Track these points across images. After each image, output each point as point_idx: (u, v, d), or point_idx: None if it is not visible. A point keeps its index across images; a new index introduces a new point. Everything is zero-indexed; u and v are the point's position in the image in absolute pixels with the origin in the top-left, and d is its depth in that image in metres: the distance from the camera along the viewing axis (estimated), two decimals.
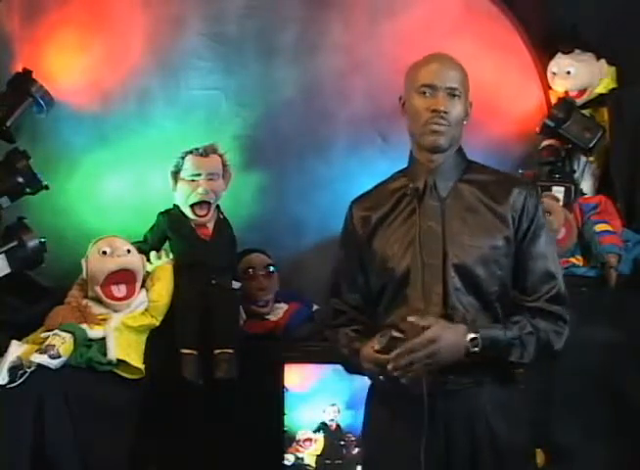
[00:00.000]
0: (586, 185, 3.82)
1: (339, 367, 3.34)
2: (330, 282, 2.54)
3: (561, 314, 2.35)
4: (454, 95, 2.35)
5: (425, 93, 2.36)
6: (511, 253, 2.34)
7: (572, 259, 3.59)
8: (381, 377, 2.28)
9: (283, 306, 3.70)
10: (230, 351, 3.31)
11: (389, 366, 2.22)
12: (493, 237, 2.33)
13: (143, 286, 3.36)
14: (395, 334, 2.24)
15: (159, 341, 3.31)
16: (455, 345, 2.24)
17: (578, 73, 3.82)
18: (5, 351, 3.13)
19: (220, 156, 3.47)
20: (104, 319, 3.25)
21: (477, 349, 2.24)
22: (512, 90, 3.92)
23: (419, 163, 2.42)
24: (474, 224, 2.34)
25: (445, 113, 2.33)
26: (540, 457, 3.23)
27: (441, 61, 2.43)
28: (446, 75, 2.37)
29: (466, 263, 2.31)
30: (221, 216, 3.50)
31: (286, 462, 3.35)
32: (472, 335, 2.25)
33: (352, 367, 2.46)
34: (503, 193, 2.36)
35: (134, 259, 3.34)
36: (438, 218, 2.35)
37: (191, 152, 3.42)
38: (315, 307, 3.71)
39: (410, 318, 2.24)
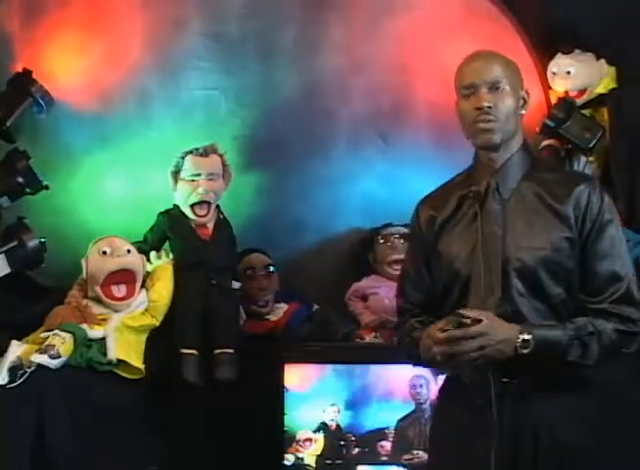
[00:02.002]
0: None
1: (338, 367, 3.38)
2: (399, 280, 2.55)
3: (628, 315, 2.28)
4: (497, 88, 2.32)
5: (468, 93, 2.34)
6: (575, 254, 2.30)
7: None
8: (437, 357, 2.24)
9: (283, 306, 3.70)
10: (230, 351, 3.31)
11: (434, 349, 2.22)
12: (555, 238, 2.29)
13: (143, 286, 3.36)
14: (465, 318, 2.21)
15: (159, 341, 3.31)
16: (504, 342, 2.21)
17: (578, 73, 3.81)
18: (5, 351, 3.13)
19: (220, 156, 3.47)
20: (104, 319, 3.25)
21: (526, 350, 2.21)
22: None
23: (481, 162, 2.39)
24: (535, 225, 2.31)
25: (489, 107, 2.30)
26: None
27: (479, 57, 2.40)
28: (484, 71, 2.34)
29: (528, 266, 2.28)
30: (221, 216, 3.50)
31: (286, 462, 3.34)
32: (524, 336, 2.21)
33: (414, 358, 2.44)
34: (566, 191, 2.32)
35: (134, 259, 3.34)
36: (500, 222, 2.32)
37: (191, 152, 3.42)
38: (315, 307, 3.71)
39: (463, 311, 2.23)
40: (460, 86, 2.37)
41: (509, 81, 2.35)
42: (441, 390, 2.50)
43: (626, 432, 3.14)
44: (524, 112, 2.39)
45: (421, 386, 3.33)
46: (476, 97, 2.33)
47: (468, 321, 2.21)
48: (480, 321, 2.20)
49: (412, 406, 3.34)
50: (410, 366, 2.59)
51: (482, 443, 2.23)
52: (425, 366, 2.57)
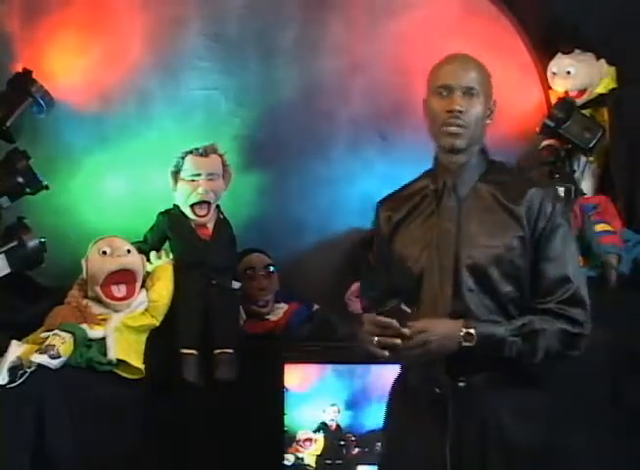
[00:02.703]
0: (586, 185, 3.82)
1: (339, 367, 3.38)
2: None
3: (574, 317, 2.31)
4: (472, 94, 2.35)
5: (441, 94, 2.36)
6: (527, 254, 2.33)
7: None
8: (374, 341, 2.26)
9: (283, 306, 3.70)
10: (230, 351, 3.31)
11: (375, 340, 2.24)
12: (509, 237, 2.32)
13: (143, 286, 3.36)
14: (403, 306, 2.25)
15: (159, 341, 3.31)
16: (447, 337, 2.25)
17: (578, 73, 3.82)
18: (5, 351, 3.13)
19: (220, 156, 3.47)
20: (104, 319, 3.25)
21: (470, 343, 2.25)
22: (512, 90, 3.91)
23: (441, 163, 2.42)
24: (490, 224, 2.34)
25: (460, 112, 2.33)
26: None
27: (458, 61, 2.43)
28: (463, 75, 2.37)
29: (480, 264, 2.31)
30: (221, 216, 3.50)
31: (286, 462, 3.34)
32: (466, 330, 2.25)
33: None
34: (520, 193, 2.35)
35: (134, 259, 3.34)
36: (455, 219, 2.36)
37: (191, 152, 3.42)
38: (315, 307, 3.71)
39: (402, 306, 2.27)
40: (434, 85, 2.38)
41: (482, 89, 2.38)
42: (394, 384, 2.50)
43: (578, 427, 3.15)
44: (489, 121, 2.41)
45: None
46: (449, 99, 2.35)
47: (407, 309, 2.26)
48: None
49: None
50: None
51: (435, 439, 2.27)
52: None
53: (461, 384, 2.30)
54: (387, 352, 2.25)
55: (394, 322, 2.24)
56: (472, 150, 2.39)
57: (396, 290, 2.42)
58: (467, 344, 2.25)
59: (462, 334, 2.25)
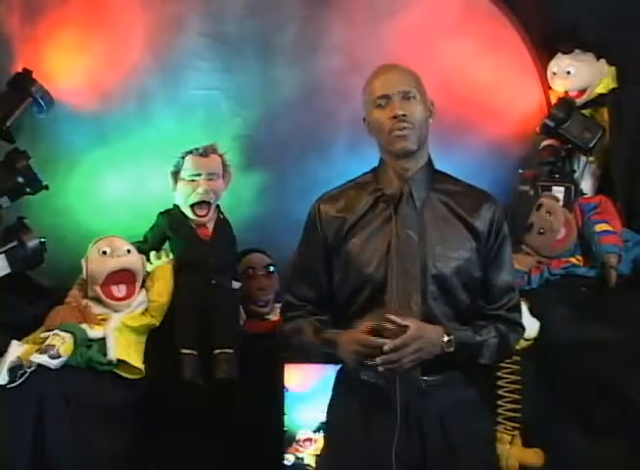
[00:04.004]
0: (586, 185, 3.82)
1: (338, 367, 3.37)
2: (287, 276, 2.61)
3: (518, 321, 2.53)
4: (409, 97, 2.42)
5: (380, 105, 2.43)
6: (479, 264, 2.45)
7: (572, 259, 3.59)
8: (366, 362, 2.33)
9: None
10: (230, 351, 3.31)
11: (380, 359, 2.28)
12: (466, 248, 2.44)
13: (143, 286, 3.36)
14: (387, 325, 2.30)
15: (159, 341, 3.31)
16: (434, 343, 2.34)
17: (578, 73, 3.82)
18: (5, 351, 3.13)
19: (220, 156, 3.47)
20: (104, 319, 3.25)
21: (450, 349, 2.35)
22: (512, 90, 3.92)
23: (392, 171, 2.47)
24: (449, 235, 2.43)
25: (404, 115, 2.39)
26: (540, 457, 3.24)
27: (387, 70, 2.49)
28: (395, 82, 2.43)
29: (444, 274, 2.41)
30: (221, 216, 3.50)
31: (286, 462, 3.34)
32: (447, 337, 2.35)
33: (318, 357, 2.51)
34: (474, 206, 2.46)
35: (134, 259, 3.34)
36: (416, 227, 2.41)
37: (191, 152, 3.42)
38: None
39: (390, 316, 2.30)
40: (372, 99, 2.45)
41: (418, 91, 2.45)
42: (338, 380, 2.54)
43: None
44: (431, 121, 2.49)
45: None
46: (389, 107, 2.41)
47: (393, 327, 2.29)
48: (406, 326, 2.30)
49: None
50: None
51: (385, 438, 2.32)
52: (318, 363, 2.63)
53: (422, 383, 2.38)
54: (380, 369, 2.30)
55: (389, 343, 2.29)
56: (421, 155, 2.46)
57: (349, 293, 2.44)
58: (448, 350, 2.35)
59: (445, 340, 2.35)
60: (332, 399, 2.56)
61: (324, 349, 2.44)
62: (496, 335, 2.44)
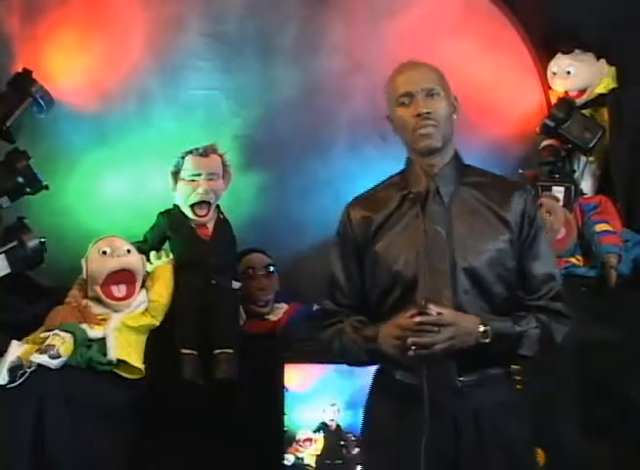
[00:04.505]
0: (586, 185, 3.82)
1: (339, 367, 3.37)
2: (326, 284, 2.56)
3: (562, 310, 2.43)
4: (432, 94, 2.40)
5: (404, 103, 2.40)
6: (514, 255, 2.40)
7: (572, 259, 3.59)
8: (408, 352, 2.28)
9: (283, 306, 3.70)
10: (230, 351, 3.31)
11: (409, 340, 2.25)
12: (498, 240, 2.39)
13: (143, 286, 3.36)
14: (429, 310, 2.26)
15: (159, 341, 3.31)
16: (469, 333, 2.30)
17: (578, 73, 3.82)
18: (5, 351, 3.13)
19: (220, 156, 3.47)
20: (104, 319, 3.25)
21: (487, 340, 2.30)
22: (512, 90, 3.92)
23: (419, 168, 2.44)
24: (479, 228, 2.39)
25: (428, 113, 2.37)
26: (541, 457, 3.23)
27: (410, 67, 2.47)
28: (418, 79, 2.41)
29: (475, 267, 2.36)
30: (221, 216, 3.50)
31: (286, 462, 3.34)
32: (483, 327, 2.31)
33: (360, 357, 2.46)
34: (504, 197, 2.42)
35: (134, 259, 3.34)
36: (443, 223, 2.38)
37: (191, 152, 3.42)
38: (315, 307, 3.71)
39: (423, 303, 2.27)
40: (395, 96, 2.42)
41: (442, 87, 2.42)
42: (374, 381, 2.52)
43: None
44: (456, 117, 2.46)
45: None
46: (413, 105, 2.39)
47: (432, 313, 2.26)
48: (440, 313, 2.27)
49: None
50: None
51: (416, 436, 2.28)
52: (361, 365, 2.56)
53: (458, 382, 2.34)
54: (411, 352, 2.26)
55: (420, 318, 2.25)
56: (446, 151, 2.43)
57: (380, 293, 2.42)
58: (483, 340, 2.30)
59: (480, 331, 2.30)
60: (367, 400, 2.53)
61: (366, 346, 2.40)
62: (537, 325, 2.37)
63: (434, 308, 2.27)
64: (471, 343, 2.30)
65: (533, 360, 2.44)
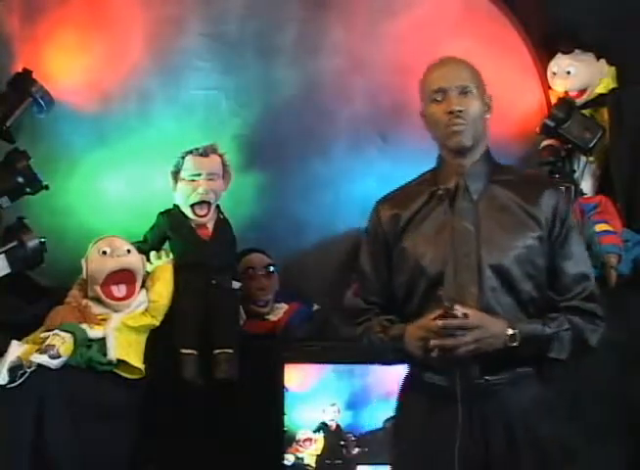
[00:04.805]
0: (586, 185, 3.81)
1: (339, 367, 3.38)
2: (356, 282, 2.57)
3: (595, 312, 2.39)
4: (466, 92, 2.39)
5: (437, 99, 2.40)
6: (545, 253, 2.37)
7: None
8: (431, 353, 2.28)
9: (283, 306, 3.70)
10: (230, 351, 3.31)
11: (432, 342, 2.24)
12: (527, 236, 2.36)
13: (143, 286, 3.36)
14: (455, 311, 2.25)
15: (159, 341, 3.31)
16: (496, 336, 2.28)
17: (578, 73, 3.81)
18: (5, 351, 3.13)
19: (220, 156, 3.47)
20: (104, 319, 3.25)
21: (515, 343, 2.28)
22: (512, 90, 3.92)
23: (449, 165, 2.44)
24: (508, 224, 2.37)
25: (460, 111, 2.36)
26: None
27: (446, 63, 2.46)
28: (453, 76, 2.41)
29: (502, 263, 2.34)
30: (221, 216, 3.50)
31: (286, 462, 3.34)
32: (511, 330, 2.28)
33: (387, 356, 2.47)
34: (535, 194, 2.40)
35: (134, 259, 3.34)
36: (471, 219, 2.37)
37: (191, 152, 3.42)
38: (315, 307, 3.71)
39: (448, 304, 2.25)
40: (429, 91, 2.42)
41: (476, 86, 2.42)
42: (403, 382, 2.51)
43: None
44: (488, 116, 2.45)
45: None
46: (446, 101, 2.39)
47: (458, 314, 2.25)
48: (466, 315, 2.25)
49: None
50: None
51: (447, 438, 2.28)
52: (393, 364, 2.56)
53: (481, 381, 2.32)
54: (434, 354, 2.26)
55: (443, 322, 2.24)
56: (477, 150, 2.42)
57: (407, 289, 2.41)
58: (511, 344, 2.28)
59: (508, 334, 2.28)
60: (397, 402, 2.53)
61: (392, 345, 2.40)
62: (569, 327, 2.34)
63: (460, 309, 2.25)
64: (498, 346, 2.28)
65: (565, 363, 2.39)
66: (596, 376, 3.29)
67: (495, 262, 2.34)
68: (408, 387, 2.49)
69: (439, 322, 2.24)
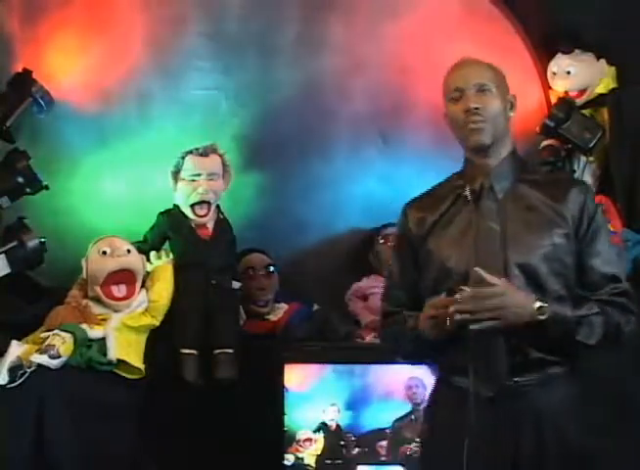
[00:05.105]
0: None
1: (339, 367, 3.38)
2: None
3: (627, 305, 2.35)
4: (484, 90, 2.39)
5: (455, 98, 2.40)
6: (572, 251, 2.35)
7: None
8: (446, 325, 2.25)
9: (283, 306, 3.70)
10: (230, 351, 3.32)
11: (453, 308, 2.22)
12: (554, 234, 2.34)
13: (143, 286, 3.36)
14: (466, 288, 2.22)
15: (159, 341, 3.31)
16: (522, 306, 2.24)
17: (578, 73, 3.81)
18: (5, 351, 3.13)
19: (220, 156, 3.47)
20: (104, 319, 3.25)
21: (543, 317, 2.23)
22: (512, 90, 3.90)
23: (474, 166, 2.43)
24: (534, 223, 2.35)
25: (477, 109, 2.36)
26: None
27: (465, 64, 2.47)
28: (470, 75, 2.41)
29: (529, 262, 2.32)
30: (221, 216, 3.50)
31: (286, 462, 3.34)
32: (540, 303, 2.24)
33: (408, 348, 2.46)
34: (562, 192, 2.38)
35: (134, 259, 3.34)
36: (497, 219, 2.36)
37: (191, 152, 3.42)
38: (315, 307, 3.71)
39: (480, 271, 2.23)
40: (448, 91, 2.42)
41: (495, 84, 2.42)
42: (433, 391, 2.51)
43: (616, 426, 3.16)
44: (512, 114, 2.47)
45: (417, 386, 3.33)
46: (463, 100, 2.39)
47: (486, 279, 2.22)
48: (493, 284, 2.22)
49: (410, 406, 3.35)
50: (409, 367, 2.59)
51: (476, 440, 2.26)
52: (417, 357, 2.57)
53: (510, 383, 2.30)
54: (448, 325, 2.23)
55: (465, 290, 2.21)
56: (501, 149, 2.42)
57: (431, 289, 2.40)
58: (540, 317, 2.23)
59: (536, 307, 2.24)
60: (427, 405, 2.54)
61: (412, 334, 2.38)
62: (599, 312, 2.29)
63: (487, 276, 2.22)
64: (524, 318, 2.23)
65: (596, 351, 2.33)
66: (596, 376, 3.28)
67: (522, 261, 2.32)
68: (437, 389, 2.49)
69: (453, 307, 2.21)
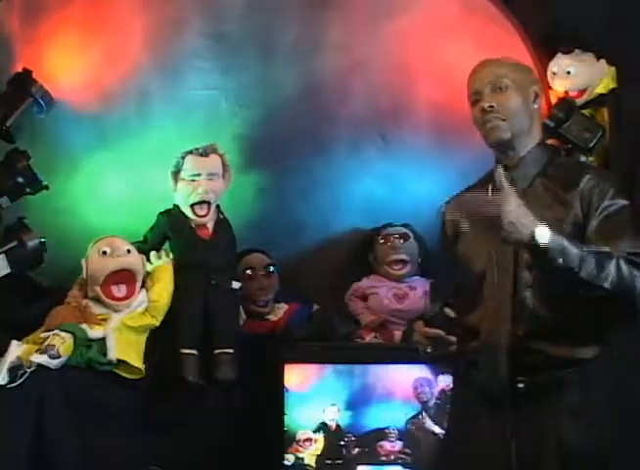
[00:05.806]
0: None
1: (339, 367, 3.38)
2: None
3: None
4: (500, 87, 2.40)
5: (474, 101, 2.44)
6: (581, 236, 2.31)
7: None
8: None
9: (283, 306, 3.70)
10: (230, 351, 3.31)
11: (414, 337, 2.35)
12: (566, 228, 2.31)
13: (143, 286, 3.36)
14: (447, 311, 2.31)
15: (159, 341, 3.31)
16: (524, 218, 2.21)
17: (578, 73, 3.81)
18: (5, 351, 3.13)
19: (220, 156, 3.47)
20: (104, 319, 3.25)
21: (543, 241, 2.20)
22: None
23: (499, 161, 2.45)
24: (548, 221, 2.30)
25: (491, 107, 2.39)
26: None
27: (480, 65, 2.50)
28: (485, 75, 2.44)
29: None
30: (221, 216, 3.50)
31: (286, 462, 3.35)
32: (544, 228, 2.21)
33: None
34: (574, 181, 2.37)
35: (134, 259, 3.34)
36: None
37: (191, 152, 3.42)
38: (315, 307, 3.71)
39: (501, 170, 2.26)
40: (469, 96, 2.47)
41: (512, 79, 2.42)
42: (455, 384, 2.57)
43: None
44: (536, 106, 2.46)
45: (422, 385, 3.34)
46: (480, 101, 2.42)
47: (452, 315, 2.33)
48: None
49: (412, 406, 3.35)
50: (409, 366, 2.60)
51: (495, 438, 2.29)
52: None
53: (520, 385, 2.31)
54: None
55: (441, 333, 2.29)
56: (524, 143, 2.43)
57: (461, 289, 2.45)
58: (541, 241, 2.20)
59: (539, 227, 2.21)
60: (450, 403, 2.59)
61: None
62: (610, 253, 2.24)
63: (506, 185, 2.22)
64: (526, 234, 2.20)
65: (606, 293, 2.24)
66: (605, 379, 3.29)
67: (530, 260, 2.32)
68: (458, 387, 2.53)
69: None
